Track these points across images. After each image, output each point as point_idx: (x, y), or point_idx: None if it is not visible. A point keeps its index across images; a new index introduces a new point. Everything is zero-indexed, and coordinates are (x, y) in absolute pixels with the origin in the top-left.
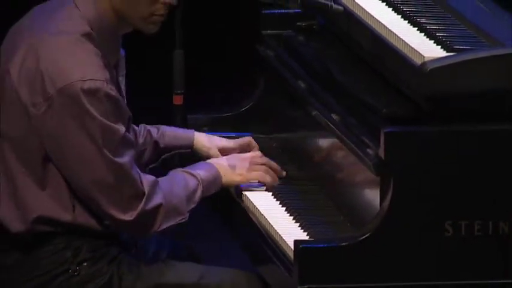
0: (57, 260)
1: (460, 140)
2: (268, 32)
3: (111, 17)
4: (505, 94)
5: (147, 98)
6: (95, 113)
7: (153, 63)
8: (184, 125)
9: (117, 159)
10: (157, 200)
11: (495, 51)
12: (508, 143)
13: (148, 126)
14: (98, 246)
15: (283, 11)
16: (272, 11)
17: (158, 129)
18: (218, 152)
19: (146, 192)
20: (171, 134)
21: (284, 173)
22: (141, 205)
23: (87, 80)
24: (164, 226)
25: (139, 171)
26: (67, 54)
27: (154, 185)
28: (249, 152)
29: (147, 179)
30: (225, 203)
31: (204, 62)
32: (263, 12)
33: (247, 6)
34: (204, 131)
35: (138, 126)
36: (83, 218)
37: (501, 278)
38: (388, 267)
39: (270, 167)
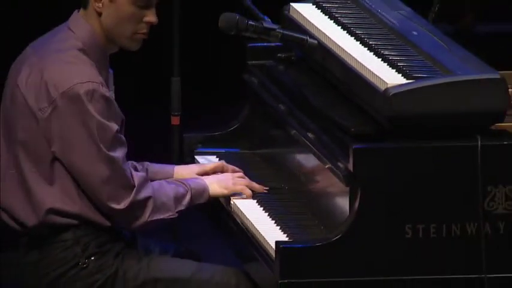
0: (68, 255)
1: (417, 155)
2: (253, 62)
3: (101, 37)
4: (455, 115)
5: (148, 119)
6: (93, 111)
7: (154, 88)
8: (181, 142)
9: (111, 154)
10: (146, 192)
11: (447, 79)
12: (456, 157)
13: (135, 163)
14: (103, 243)
15: (266, 44)
16: (256, 44)
17: (143, 166)
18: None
19: (136, 185)
20: (153, 169)
21: (265, 189)
22: (132, 195)
23: (85, 82)
24: (153, 218)
25: (130, 168)
26: (66, 64)
27: (143, 180)
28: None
29: (137, 174)
30: (216, 210)
31: (198, 87)
32: (249, 45)
33: (236, 40)
34: (198, 147)
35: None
36: (88, 209)
37: (453, 274)
38: (356, 264)
39: (252, 186)
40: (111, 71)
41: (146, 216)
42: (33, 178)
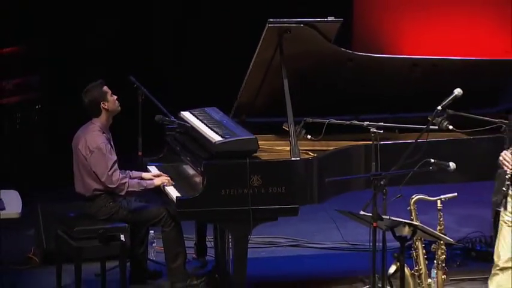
0: (102, 202)
1: (228, 166)
2: (168, 132)
3: (106, 120)
4: (241, 152)
5: (128, 154)
6: (107, 154)
7: (129, 142)
8: (142, 163)
9: (112, 170)
10: (124, 180)
11: (236, 138)
12: (240, 166)
13: (125, 171)
14: (115, 197)
15: (172, 126)
16: (170, 126)
17: (129, 172)
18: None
19: (120, 177)
20: (133, 174)
21: (173, 183)
22: (118, 181)
23: (102, 143)
24: (128, 190)
25: (119, 172)
26: (94, 136)
27: (124, 177)
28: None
29: (121, 174)
30: (159, 191)
31: (149, 142)
32: (167, 126)
33: (162, 125)
34: (147, 163)
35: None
36: (106, 187)
37: (241, 206)
38: (206, 203)
39: (169, 180)
40: (109, 133)
41: (125, 189)
42: (87, 178)
